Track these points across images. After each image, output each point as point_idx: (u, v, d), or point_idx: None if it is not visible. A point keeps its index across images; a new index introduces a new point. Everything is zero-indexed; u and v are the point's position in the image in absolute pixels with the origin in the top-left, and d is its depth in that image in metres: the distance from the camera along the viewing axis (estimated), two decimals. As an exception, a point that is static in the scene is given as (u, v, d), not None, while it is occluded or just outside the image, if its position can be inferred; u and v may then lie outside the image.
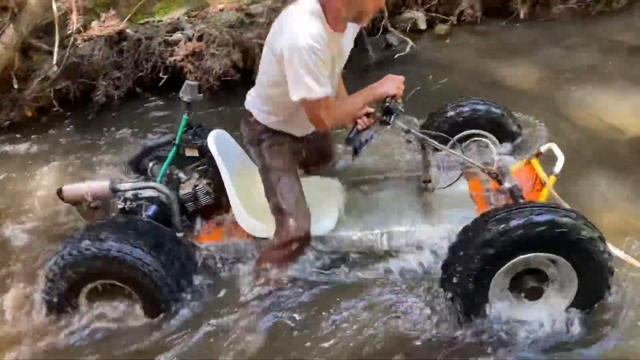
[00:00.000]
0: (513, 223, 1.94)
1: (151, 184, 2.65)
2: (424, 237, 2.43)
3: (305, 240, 2.35)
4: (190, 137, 2.76)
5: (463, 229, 2.09)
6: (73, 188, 2.68)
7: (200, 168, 2.77)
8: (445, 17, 5.37)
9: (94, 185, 2.69)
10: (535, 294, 2.13)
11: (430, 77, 4.51)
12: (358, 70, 4.85)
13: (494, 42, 5.08)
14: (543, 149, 2.60)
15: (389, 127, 2.29)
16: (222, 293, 2.48)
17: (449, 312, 2.18)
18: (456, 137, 2.88)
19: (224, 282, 2.51)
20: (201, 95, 2.73)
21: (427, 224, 2.48)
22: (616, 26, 5.06)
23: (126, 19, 4.78)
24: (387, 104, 2.24)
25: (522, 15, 5.36)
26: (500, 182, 2.37)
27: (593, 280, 2.05)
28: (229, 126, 2.87)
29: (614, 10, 5.26)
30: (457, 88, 4.28)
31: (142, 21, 4.88)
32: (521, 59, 4.64)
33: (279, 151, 2.37)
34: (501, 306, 2.12)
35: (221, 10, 4.86)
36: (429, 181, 2.57)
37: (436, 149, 2.48)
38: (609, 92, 3.94)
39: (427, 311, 2.26)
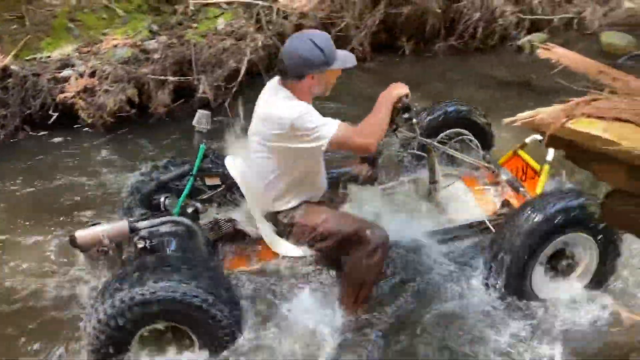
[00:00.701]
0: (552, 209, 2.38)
1: (173, 217, 2.56)
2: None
3: (387, 242, 2.42)
4: (209, 166, 2.75)
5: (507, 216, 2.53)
6: (87, 233, 2.48)
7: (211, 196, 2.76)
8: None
9: (110, 227, 2.51)
10: (569, 271, 2.55)
11: (325, 110, 4.71)
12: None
13: (382, 77, 5.41)
14: (528, 140, 2.94)
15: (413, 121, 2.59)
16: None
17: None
18: (439, 136, 3.14)
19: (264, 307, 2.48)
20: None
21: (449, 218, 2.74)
22: (490, 62, 5.61)
23: (11, 55, 4.59)
24: (401, 104, 2.50)
25: (407, 52, 5.76)
26: (497, 175, 2.76)
27: (609, 260, 2.51)
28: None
29: (488, 46, 5.80)
30: (350, 119, 4.54)
31: (28, 57, 4.71)
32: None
33: (315, 211, 2.53)
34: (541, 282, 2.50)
35: (115, 46, 4.81)
36: (436, 182, 2.78)
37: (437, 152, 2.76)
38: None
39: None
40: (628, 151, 1.53)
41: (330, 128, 2.28)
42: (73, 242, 2.48)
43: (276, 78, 2.44)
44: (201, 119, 2.66)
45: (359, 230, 2.41)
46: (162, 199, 2.78)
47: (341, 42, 5.62)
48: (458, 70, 5.42)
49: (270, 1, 5.34)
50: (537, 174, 2.77)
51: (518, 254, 2.39)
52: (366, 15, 5.57)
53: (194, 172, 2.70)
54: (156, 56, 4.78)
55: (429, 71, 5.50)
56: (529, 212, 2.41)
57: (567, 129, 1.66)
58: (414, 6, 5.55)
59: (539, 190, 2.75)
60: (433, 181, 2.81)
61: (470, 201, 2.82)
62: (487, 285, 2.49)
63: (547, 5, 5.99)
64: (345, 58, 2.46)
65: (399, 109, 2.50)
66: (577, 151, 1.75)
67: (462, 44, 5.74)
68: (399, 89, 2.51)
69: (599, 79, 1.52)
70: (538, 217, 2.37)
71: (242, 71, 4.86)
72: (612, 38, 5.89)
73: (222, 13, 5.14)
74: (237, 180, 2.53)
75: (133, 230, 2.50)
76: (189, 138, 4.25)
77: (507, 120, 1.94)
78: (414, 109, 2.57)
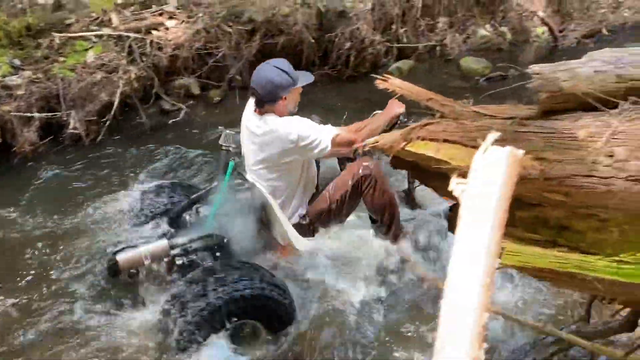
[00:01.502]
0: None
1: (208, 232, 2.70)
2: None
3: (377, 165, 2.88)
4: (240, 180, 2.89)
5: None
6: (129, 256, 2.55)
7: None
8: (217, 84, 5.66)
9: (151, 247, 2.59)
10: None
11: (204, 139, 4.72)
12: (133, 137, 4.85)
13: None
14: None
15: None
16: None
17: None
18: None
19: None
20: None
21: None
22: (363, 88, 5.90)
23: None
24: (400, 121, 2.84)
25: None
26: None
27: None
28: None
29: (360, 74, 6.11)
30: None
31: None
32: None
33: (319, 199, 2.92)
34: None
35: (-28, 82, 4.48)
36: (412, 182, 3.21)
37: None
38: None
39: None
40: (457, 169, 1.71)
41: (328, 131, 2.66)
42: (114, 266, 2.54)
43: (250, 109, 2.78)
44: (227, 137, 2.87)
45: (354, 176, 2.82)
46: (187, 218, 2.97)
47: (219, 72, 5.68)
48: (334, 98, 5.65)
49: (143, 33, 5.25)
50: None
51: None
52: (243, 45, 5.64)
53: (224, 188, 2.81)
54: (20, 92, 4.51)
55: (307, 98, 5.65)
56: None
57: (406, 152, 1.82)
58: (289, 36, 5.72)
59: None
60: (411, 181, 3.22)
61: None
62: None
63: (411, 34, 6.44)
64: (304, 76, 2.84)
65: (395, 123, 2.84)
66: (418, 170, 1.92)
67: (336, 72, 5.99)
68: (397, 108, 2.82)
69: (430, 105, 1.67)
70: None
71: (115, 104, 4.72)
72: (470, 62, 6.46)
73: (92, 46, 4.97)
74: (265, 193, 2.74)
75: (174, 247, 2.62)
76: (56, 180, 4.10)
77: (356, 145, 2.10)
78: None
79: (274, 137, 2.65)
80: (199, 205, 3.01)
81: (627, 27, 7.66)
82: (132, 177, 4.14)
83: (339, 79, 6.03)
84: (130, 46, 5.11)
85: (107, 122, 4.67)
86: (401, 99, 2.65)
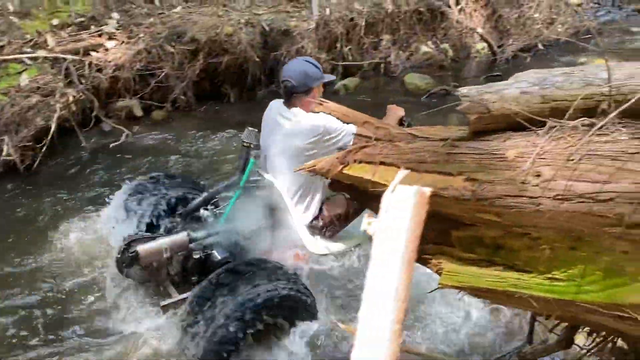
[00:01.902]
0: None
1: (225, 227, 2.72)
2: None
3: None
4: (258, 178, 2.89)
5: None
6: (149, 247, 2.56)
7: None
8: (160, 105, 5.55)
9: (171, 240, 2.62)
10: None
11: (146, 162, 4.60)
12: (73, 162, 4.69)
13: (210, 125, 5.43)
14: None
15: None
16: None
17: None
18: None
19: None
20: None
21: None
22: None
23: None
24: (404, 122, 3.08)
25: (232, 99, 5.86)
26: None
27: None
28: None
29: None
30: (176, 168, 4.52)
31: None
32: (229, 138, 5.09)
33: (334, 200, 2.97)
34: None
35: None
36: None
37: None
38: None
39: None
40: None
41: (350, 127, 2.62)
42: (136, 257, 2.54)
43: (278, 103, 2.95)
44: (250, 134, 2.89)
45: None
46: (203, 213, 2.91)
47: (162, 92, 5.57)
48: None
49: (81, 55, 5.10)
50: None
51: None
52: (186, 65, 5.57)
53: (242, 184, 2.82)
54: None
55: (254, 116, 5.62)
56: None
57: (344, 174, 1.81)
58: (233, 55, 5.68)
59: None
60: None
61: None
62: None
63: (356, 52, 6.52)
64: (325, 74, 3.00)
65: (401, 124, 3.03)
66: (357, 192, 1.91)
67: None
68: (399, 111, 3.11)
69: (365, 128, 1.67)
70: None
71: (52, 129, 4.54)
72: (414, 79, 6.59)
73: (26, 69, 4.78)
74: (282, 192, 2.82)
75: (193, 241, 2.64)
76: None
77: (295, 169, 2.07)
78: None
79: (302, 127, 2.74)
80: (215, 200, 3.02)
81: (560, 41, 8.02)
82: (71, 204, 3.98)
83: (285, 97, 6.01)
84: (67, 68, 4.95)
85: (44, 148, 4.47)
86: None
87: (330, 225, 2.92)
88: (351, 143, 2.63)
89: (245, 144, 2.89)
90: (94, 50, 5.28)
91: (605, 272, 1.42)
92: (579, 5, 9.65)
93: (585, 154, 1.43)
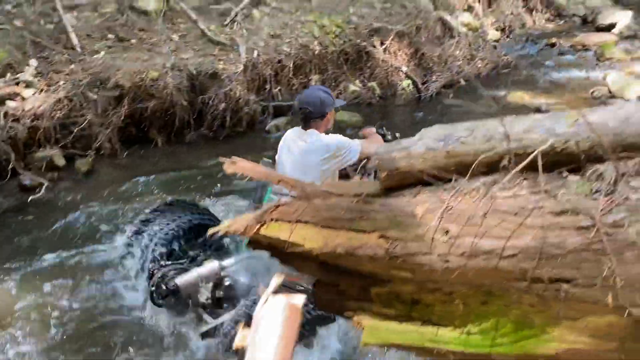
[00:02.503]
0: None
1: (247, 253, 2.84)
2: None
3: None
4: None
5: None
6: (187, 280, 2.71)
7: None
8: (84, 153, 5.34)
9: (204, 270, 2.80)
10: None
11: (69, 215, 4.40)
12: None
13: (135, 172, 5.27)
14: None
15: None
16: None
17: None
18: None
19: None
20: None
21: None
22: (241, 147, 5.88)
23: None
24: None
25: (159, 144, 5.73)
26: None
27: None
28: None
29: (238, 133, 6.09)
30: (101, 220, 4.35)
31: None
32: (159, 184, 4.96)
33: None
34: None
35: None
36: None
37: None
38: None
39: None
40: (311, 250, 1.69)
41: (356, 144, 3.15)
42: (175, 290, 2.67)
43: (294, 130, 3.34)
44: (265, 165, 3.14)
45: None
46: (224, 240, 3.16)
47: (85, 141, 5.38)
48: (210, 158, 5.56)
49: (-5, 104, 4.86)
50: None
51: None
52: (110, 111, 5.42)
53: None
54: None
55: (183, 160, 5.56)
56: None
57: (261, 235, 1.78)
58: (160, 100, 5.59)
59: None
60: None
61: None
62: None
63: (286, 92, 6.58)
64: (338, 101, 3.50)
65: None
66: (278, 250, 1.88)
67: (212, 132, 5.92)
68: (372, 130, 3.56)
69: (280, 186, 1.65)
70: None
71: (-37, 184, 4.27)
72: (344, 116, 6.70)
73: None
74: None
75: (224, 268, 2.82)
76: None
77: (211, 230, 2.03)
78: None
79: (318, 145, 3.14)
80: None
81: (481, 76, 8.44)
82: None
83: (215, 139, 5.96)
84: (-21, 119, 4.70)
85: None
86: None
87: None
88: (357, 158, 3.11)
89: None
90: (9, 99, 5.04)
91: (516, 325, 1.45)
92: (496, 40, 10.23)
93: (489, 210, 1.48)
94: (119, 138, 5.56)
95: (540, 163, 1.46)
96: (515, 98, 7.67)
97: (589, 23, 11.64)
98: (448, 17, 8.92)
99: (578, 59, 9.42)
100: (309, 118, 3.19)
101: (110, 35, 5.92)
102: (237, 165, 1.79)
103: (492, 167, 1.66)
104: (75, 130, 5.25)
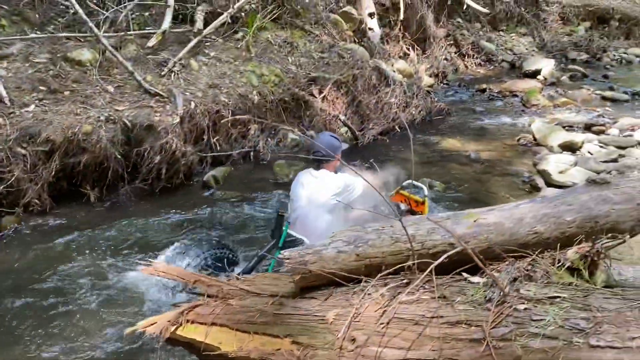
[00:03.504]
0: None
1: None
2: None
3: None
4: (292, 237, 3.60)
5: None
6: None
7: None
8: (10, 210, 5.15)
9: None
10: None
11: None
12: None
13: (67, 230, 5.11)
14: (405, 183, 4.23)
15: None
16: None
17: None
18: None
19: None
20: None
21: None
22: (177, 200, 5.83)
23: None
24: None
25: (92, 199, 5.60)
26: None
27: None
28: None
29: (175, 185, 6.03)
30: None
31: None
32: (91, 241, 4.83)
33: None
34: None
35: None
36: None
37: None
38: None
39: None
40: (226, 354, 1.72)
41: (360, 183, 3.70)
42: None
43: (309, 169, 3.87)
44: (283, 205, 3.73)
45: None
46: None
47: (13, 197, 5.19)
48: (144, 212, 5.48)
49: None
50: (418, 204, 4.12)
51: None
52: (40, 167, 5.26)
53: (281, 244, 3.60)
54: None
55: (116, 215, 5.44)
56: None
57: (178, 335, 1.79)
58: (93, 154, 5.49)
59: (427, 212, 4.14)
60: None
61: None
62: None
63: (224, 142, 6.60)
64: (343, 143, 4.36)
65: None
66: (196, 350, 1.89)
67: (148, 185, 5.84)
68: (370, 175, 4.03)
69: (196, 286, 1.67)
70: None
71: None
72: (283, 166, 6.77)
73: None
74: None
75: None
76: None
77: (128, 331, 2.02)
78: None
79: (328, 181, 3.69)
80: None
81: (415, 123, 8.76)
82: None
83: (151, 192, 5.88)
84: None
85: None
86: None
87: None
88: (361, 192, 3.69)
89: (280, 213, 3.74)
90: None
91: None
92: (431, 86, 10.68)
93: (393, 317, 1.56)
94: (49, 194, 5.39)
95: (435, 265, 1.56)
96: (447, 144, 7.99)
97: (516, 68, 12.37)
98: (384, 66, 9.24)
99: (506, 105, 9.96)
100: (321, 161, 3.74)
101: (42, 87, 5.78)
102: (153, 269, 1.80)
103: (399, 268, 1.76)
104: (1, 187, 5.05)
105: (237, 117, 6.02)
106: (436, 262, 1.52)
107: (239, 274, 3.40)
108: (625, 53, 14.15)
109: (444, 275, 1.75)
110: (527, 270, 1.65)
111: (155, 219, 5.37)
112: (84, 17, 6.21)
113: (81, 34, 6.52)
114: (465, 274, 1.68)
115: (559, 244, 1.81)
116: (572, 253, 1.77)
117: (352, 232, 1.77)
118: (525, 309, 1.46)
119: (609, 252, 1.79)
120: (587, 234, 1.82)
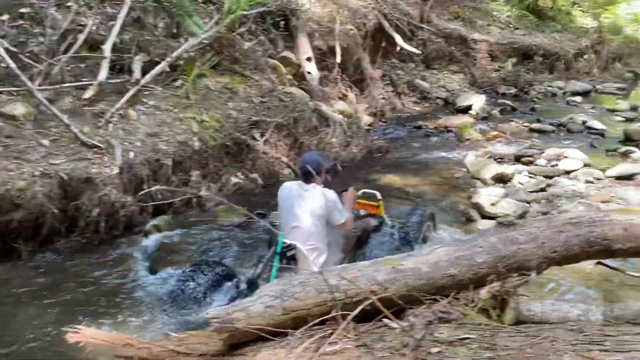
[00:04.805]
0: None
1: None
2: None
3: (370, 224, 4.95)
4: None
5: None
6: None
7: None
8: (-63, 274, 4.92)
9: None
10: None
11: None
12: None
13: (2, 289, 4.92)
14: (360, 192, 5.17)
15: None
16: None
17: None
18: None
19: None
20: None
21: None
22: (117, 250, 5.73)
23: None
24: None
25: (25, 255, 5.42)
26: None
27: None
28: None
29: (115, 237, 5.92)
30: None
31: None
32: (25, 301, 4.66)
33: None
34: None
35: None
36: None
37: None
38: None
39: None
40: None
41: (347, 213, 4.34)
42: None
43: (293, 184, 4.36)
44: (274, 216, 4.42)
45: (359, 234, 4.74)
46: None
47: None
48: (84, 267, 5.35)
49: None
50: (374, 207, 5.05)
51: None
52: (-32, 225, 5.08)
53: (279, 251, 4.00)
54: None
55: (53, 272, 5.27)
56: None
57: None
58: (28, 210, 5.34)
59: (383, 213, 5.17)
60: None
61: None
62: None
63: (165, 191, 6.56)
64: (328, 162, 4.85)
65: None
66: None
67: (86, 239, 5.72)
68: (351, 194, 4.71)
69: (125, 352, 1.69)
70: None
71: None
72: (227, 210, 6.78)
73: None
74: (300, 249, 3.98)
75: None
76: None
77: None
78: None
79: (319, 193, 4.11)
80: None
81: (356, 160, 9.01)
82: None
83: (90, 245, 5.75)
84: None
85: None
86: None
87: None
88: (342, 222, 4.22)
89: (274, 223, 4.26)
90: None
91: None
92: (370, 125, 11.03)
93: (317, 369, 1.63)
94: (-19, 254, 5.19)
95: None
96: (387, 180, 8.24)
97: (450, 104, 12.96)
98: (324, 107, 9.51)
99: (441, 140, 10.40)
100: (310, 174, 4.13)
101: (-28, 144, 5.63)
102: (81, 334, 1.81)
103: (325, 318, 1.84)
104: None
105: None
106: (353, 314, 1.62)
107: (246, 282, 4.08)
108: (549, 86, 15.12)
109: (369, 321, 1.84)
110: (443, 312, 1.76)
111: (93, 274, 5.25)
112: (17, 71, 6.13)
113: (14, 88, 6.41)
114: (386, 319, 1.78)
115: (472, 285, 1.95)
116: (484, 293, 1.91)
117: (279, 286, 1.84)
118: (439, 351, 1.56)
119: (518, 289, 1.94)
120: (497, 274, 1.97)
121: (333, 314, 1.74)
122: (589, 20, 19.45)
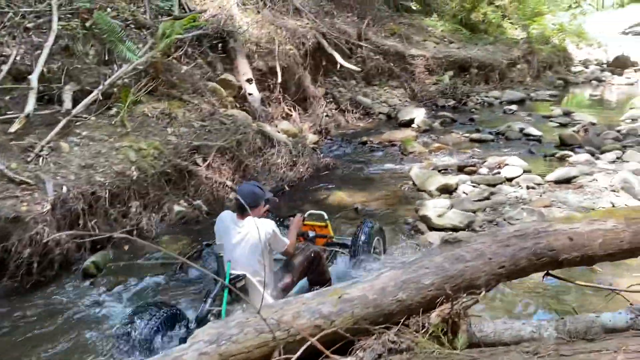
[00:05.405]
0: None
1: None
2: None
3: (320, 251, 4.74)
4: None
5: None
6: None
7: None
8: None
9: None
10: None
11: None
12: None
13: None
14: (306, 214, 5.21)
15: None
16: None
17: None
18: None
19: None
20: None
21: None
22: (54, 291, 5.37)
23: None
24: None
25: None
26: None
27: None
28: None
29: (49, 278, 5.55)
30: None
31: None
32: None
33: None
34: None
35: None
36: None
37: None
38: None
39: None
40: None
41: (287, 240, 4.24)
42: None
43: (230, 215, 4.18)
44: (219, 247, 4.08)
45: (306, 258, 4.43)
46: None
47: None
48: (14, 312, 4.97)
49: None
50: (322, 227, 5.21)
51: None
52: None
53: (227, 281, 3.81)
54: None
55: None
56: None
57: None
58: (-51, 256, 4.93)
59: (331, 232, 5.39)
60: None
61: None
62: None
63: (103, 224, 6.24)
64: (268, 193, 4.40)
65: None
66: None
67: (17, 282, 5.33)
68: (298, 220, 4.72)
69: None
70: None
71: None
72: (170, 241, 6.51)
73: None
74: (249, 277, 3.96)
75: None
76: None
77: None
78: None
79: (254, 228, 3.88)
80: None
81: (303, 179, 8.92)
82: None
83: (21, 288, 5.36)
84: None
85: None
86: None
87: (285, 290, 4.23)
88: (283, 250, 4.19)
89: (220, 255, 4.01)
90: None
91: None
92: (316, 143, 10.98)
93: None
94: None
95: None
96: (335, 197, 8.17)
97: (392, 119, 13.12)
98: (268, 128, 9.40)
99: (386, 154, 10.47)
100: (244, 208, 3.92)
101: None
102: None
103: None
104: None
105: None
106: (294, 357, 1.49)
107: (195, 321, 3.90)
108: (486, 96, 15.59)
109: (319, 357, 1.72)
110: (392, 342, 1.66)
111: (23, 321, 4.88)
112: None
113: None
114: (334, 356, 1.66)
115: (421, 309, 1.86)
116: (434, 317, 1.82)
117: (214, 329, 1.69)
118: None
119: (468, 310, 1.86)
120: (446, 295, 1.89)
121: (276, 357, 1.60)
122: (519, 31, 20.26)
